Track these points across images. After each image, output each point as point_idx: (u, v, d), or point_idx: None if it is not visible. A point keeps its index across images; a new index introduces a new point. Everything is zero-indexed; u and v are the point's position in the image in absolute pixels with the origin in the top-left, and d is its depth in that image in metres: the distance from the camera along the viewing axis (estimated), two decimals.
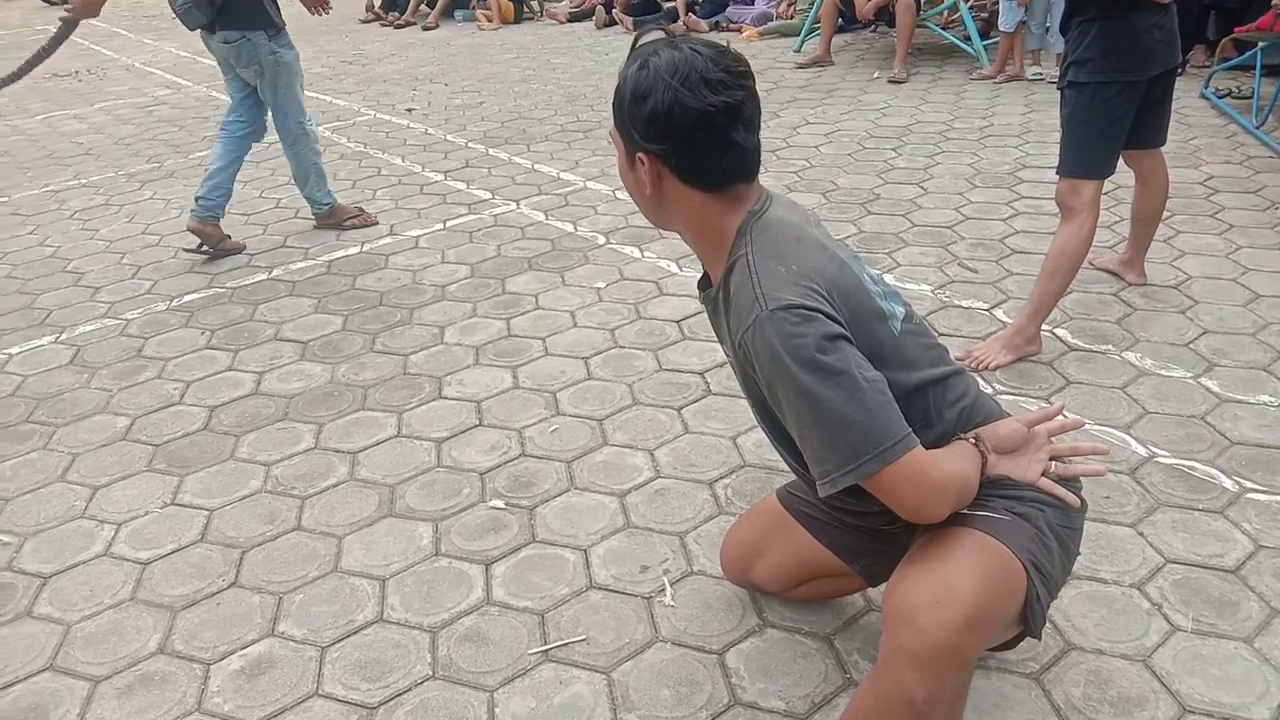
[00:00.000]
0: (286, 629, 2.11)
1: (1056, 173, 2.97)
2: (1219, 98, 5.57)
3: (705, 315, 1.72)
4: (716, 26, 9.24)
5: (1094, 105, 2.83)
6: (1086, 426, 2.57)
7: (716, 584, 2.14)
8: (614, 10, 9.77)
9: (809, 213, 1.63)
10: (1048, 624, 1.86)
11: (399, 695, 1.92)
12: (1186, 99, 5.48)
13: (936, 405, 1.55)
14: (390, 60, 8.88)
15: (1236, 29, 5.82)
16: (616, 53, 8.35)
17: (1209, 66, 6.02)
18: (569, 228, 4.36)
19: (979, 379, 2.82)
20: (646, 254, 3.98)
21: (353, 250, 4.27)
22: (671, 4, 9.58)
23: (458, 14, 10.84)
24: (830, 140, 5.45)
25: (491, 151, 5.67)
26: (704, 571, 2.19)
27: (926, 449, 1.46)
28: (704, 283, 1.65)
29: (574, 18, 10.32)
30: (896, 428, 1.38)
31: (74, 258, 4.38)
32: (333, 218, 4.49)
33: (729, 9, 9.42)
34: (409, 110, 6.83)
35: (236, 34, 4.01)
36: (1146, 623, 1.96)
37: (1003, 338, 2.98)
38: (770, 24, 8.88)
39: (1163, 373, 2.85)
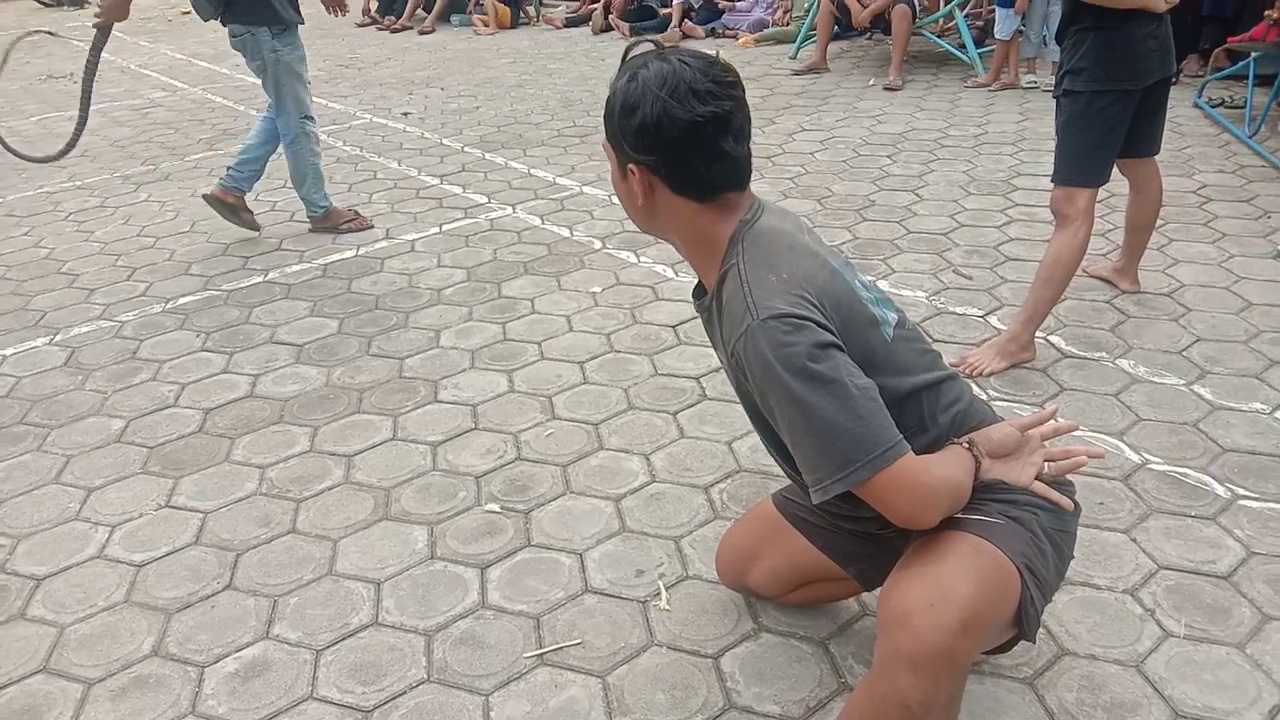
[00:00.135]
0: (281, 632, 2.10)
1: (1051, 180, 2.99)
2: (1212, 107, 5.60)
3: (700, 321, 1.73)
4: (713, 33, 9.27)
5: (1089, 114, 2.85)
6: (1080, 433, 2.58)
7: (712, 588, 2.15)
8: (611, 16, 9.79)
9: (801, 220, 1.64)
10: (1041, 629, 1.87)
11: (394, 698, 1.92)
12: (1180, 108, 5.50)
13: (930, 410, 1.56)
14: (386, 64, 8.89)
15: (1230, 39, 5.86)
16: (613, 58, 8.33)
17: (1202, 76, 6.06)
18: (565, 232, 4.37)
19: (973, 385, 2.83)
20: (642, 259, 3.99)
21: (348, 253, 4.27)
22: (667, 10, 9.60)
23: (454, 19, 10.85)
24: (826, 147, 5.47)
25: (488, 156, 5.68)
26: (699, 576, 2.19)
27: (921, 453, 1.47)
28: (699, 291, 1.66)
29: (570, 23, 10.33)
30: (888, 435, 1.39)
31: (69, 259, 4.38)
32: (328, 221, 4.49)
33: (725, 16, 9.45)
34: (405, 114, 6.84)
35: (241, 28, 4.04)
36: (1139, 628, 1.97)
37: (997, 344, 2.99)
38: (766, 31, 8.91)
39: (1156, 380, 2.87)
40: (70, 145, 4.13)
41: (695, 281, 1.67)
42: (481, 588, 2.20)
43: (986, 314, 3.35)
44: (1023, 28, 6.44)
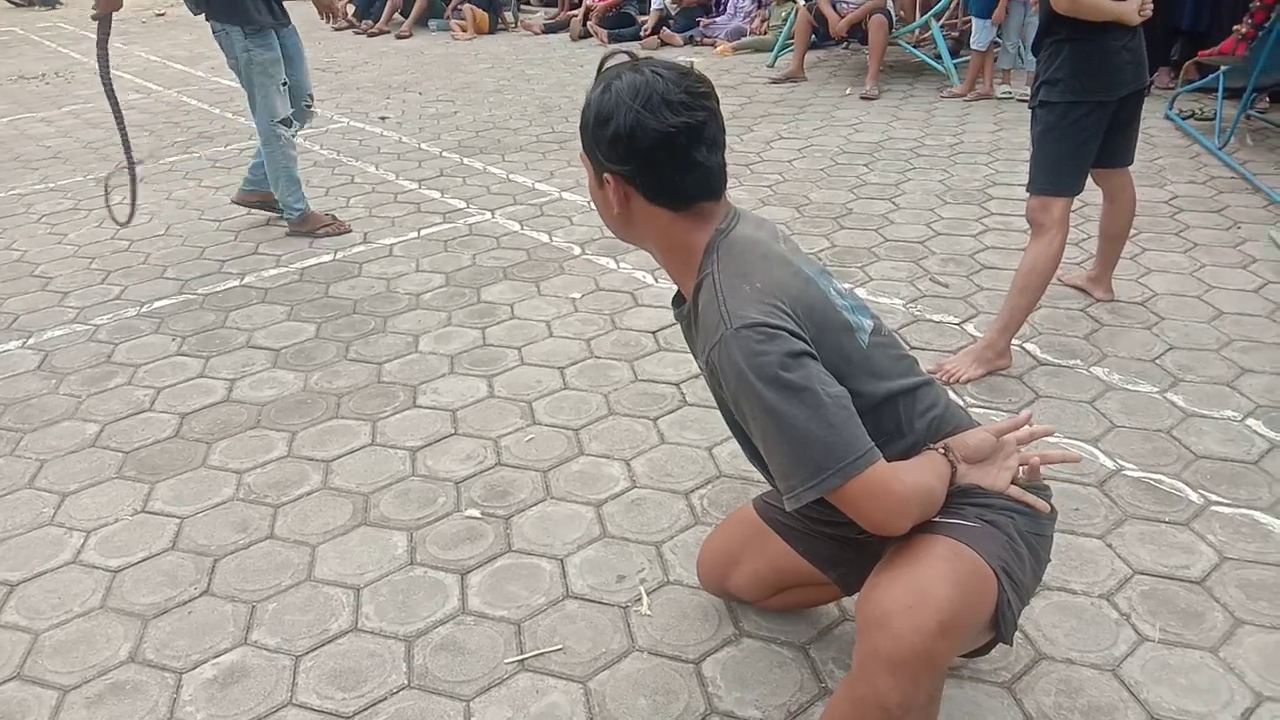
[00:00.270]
0: (260, 638, 2.09)
1: (1027, 190, 3.02)
2: (1183, 119, 5.69)
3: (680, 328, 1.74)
4: (691, 41, 9.30)
5: (1064, 124, 2.89)
6: (1055, 439, 2.61)
7: (693, 593, 2.15)
8: (589, 23, 9.81)
9: (778, 228, 1.66)
10: (1019, 633, 1.89)
11: (374, 705, 1.91)
12: (1151, 120, 5.58)
13: (907, 415, 1.58)
14: (364, 68, 8.86)
15: (1200, 53, 5.95)
16: (591, 65, 8.35)
17: (1173, 88, 6.15)
18: (544, 238, 4.37)
19: (950, 391, 2.86)
20: (622, 265, 4.00)
21: (326, 258, 4.25)
22: (645, 18, 9.63)
23: (431, 23, 10.83)
24: (803, 155, 5.51)
25: (466, 161, 5.67)
26: (680, 581, 2.20)
27: (897, 458, 1.49)
28: (678, 299, 1.68)
29: (549, 29, 10.35)
30: (859, 443, 1.40)
31: (42, 262, 4.33)
32: (305, 225, 4.47)
33: (703, 24, 9.49)
34: (383, 118, 6.82)
35: (218, 25, 4.09)
36: (1115, 632, 1.99)
37: (973, 352, 3.02)
38: (744, 39, 8.96)
39: (1130, 387, 2.91)
40: (127, 149, 4.04)
41: (675, 289, 1.68)
42: (462, 593, 2.19)
43: (963, 321, 3.39)
44: (999, 39, 6.52)
